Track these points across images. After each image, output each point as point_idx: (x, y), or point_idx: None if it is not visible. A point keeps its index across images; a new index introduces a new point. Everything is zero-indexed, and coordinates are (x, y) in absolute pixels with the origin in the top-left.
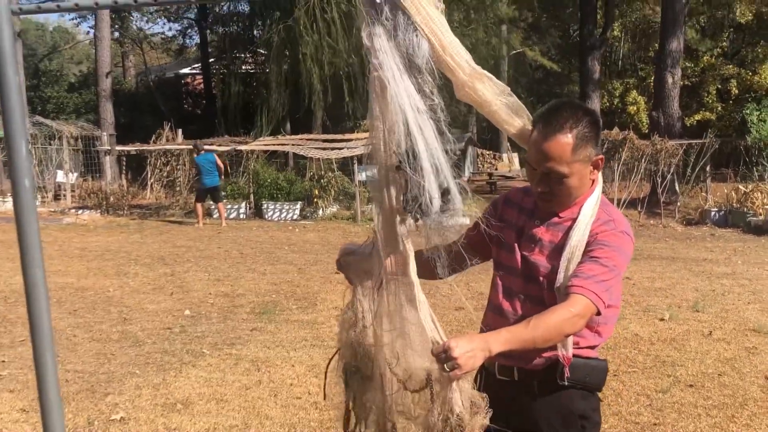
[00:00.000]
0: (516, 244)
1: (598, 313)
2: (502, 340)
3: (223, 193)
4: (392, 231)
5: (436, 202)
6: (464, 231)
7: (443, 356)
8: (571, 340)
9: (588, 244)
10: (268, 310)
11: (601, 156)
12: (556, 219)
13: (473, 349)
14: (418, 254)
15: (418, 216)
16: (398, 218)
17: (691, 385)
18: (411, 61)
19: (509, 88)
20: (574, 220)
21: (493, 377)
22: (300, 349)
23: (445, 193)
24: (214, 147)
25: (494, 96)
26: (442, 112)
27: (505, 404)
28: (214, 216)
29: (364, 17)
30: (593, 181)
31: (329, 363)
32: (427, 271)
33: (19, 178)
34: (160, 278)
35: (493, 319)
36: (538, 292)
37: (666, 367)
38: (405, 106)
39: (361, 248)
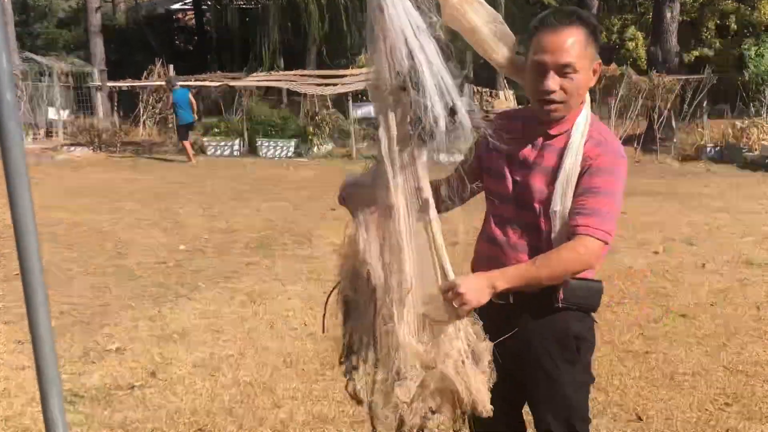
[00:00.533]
0: (507, 170)
1: (606, 244)
2: (507, 277)
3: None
4: (397, 157)
5: (442, 121)
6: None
7: (450, 294)
8: None
9: (584, 169)
10: (264, 246)
11: (599, 61)
12: (547, 141)
13: (479, 285)
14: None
15: (425, 138)
16: (400, 144)
17: (683, 315)
18: None
19: (501, 16)
20: (566, 141)
21: (489, 300)
22: (296, 282)
23: (451, 112)
24: (206, 83)
25: (483, 22)
26: (441, 30)
27: (500, 327)
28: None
29: None
30: (582, 101)
31: (329, 296)
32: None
33: (0, 91)
34: (155, 214)
35: (485, 246)
36: (531, 218)
37: (659, 298)
38: (404, 24)
39: (361, 179)
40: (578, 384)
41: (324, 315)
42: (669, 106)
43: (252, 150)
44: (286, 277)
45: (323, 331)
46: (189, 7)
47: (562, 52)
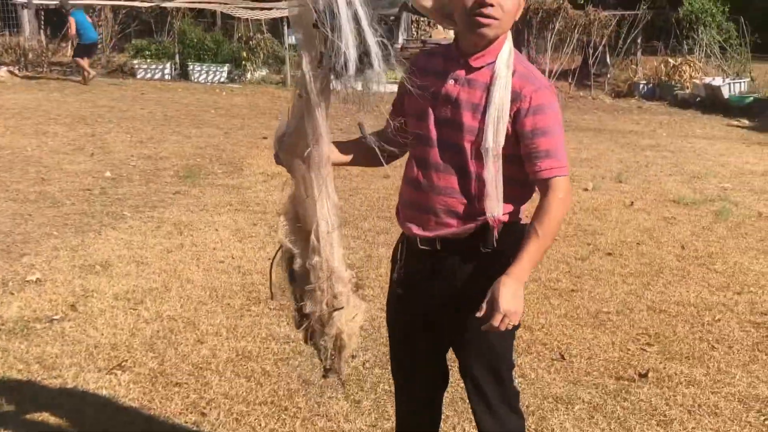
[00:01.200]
0: (430, 110)
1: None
2: (527, 267)
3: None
4: (315, 91)
5: (352, 65)
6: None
7: (504, 321)
8: (501, 202)
9: (522, 110)
10: (193, 174)
11: None
12: (470, 75)
13: (517, 297)
14: (357, 142)
15: (332, 78)
16: (318, 79)
17: (609, 254)
18: None
19: None
20: (491, 75)
21: (415, 247)
22: (224, 213)
23: (362, 56)
24: (137, 3)
25: None
26: None
27: (429, 273)
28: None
29: None
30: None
31: (273, 261)
32: (368, 158)
33: None
34: (81, 138)
35: (410, 193)
36: (458, 160)
37: (586, 236)
38: None
39: (288, 127)
40: (504, 331)
41: (270, 281)
42: (604, 41)
43: (183, 74)
44: (214, 207)
45: (272, 298)
46: None
47: None
